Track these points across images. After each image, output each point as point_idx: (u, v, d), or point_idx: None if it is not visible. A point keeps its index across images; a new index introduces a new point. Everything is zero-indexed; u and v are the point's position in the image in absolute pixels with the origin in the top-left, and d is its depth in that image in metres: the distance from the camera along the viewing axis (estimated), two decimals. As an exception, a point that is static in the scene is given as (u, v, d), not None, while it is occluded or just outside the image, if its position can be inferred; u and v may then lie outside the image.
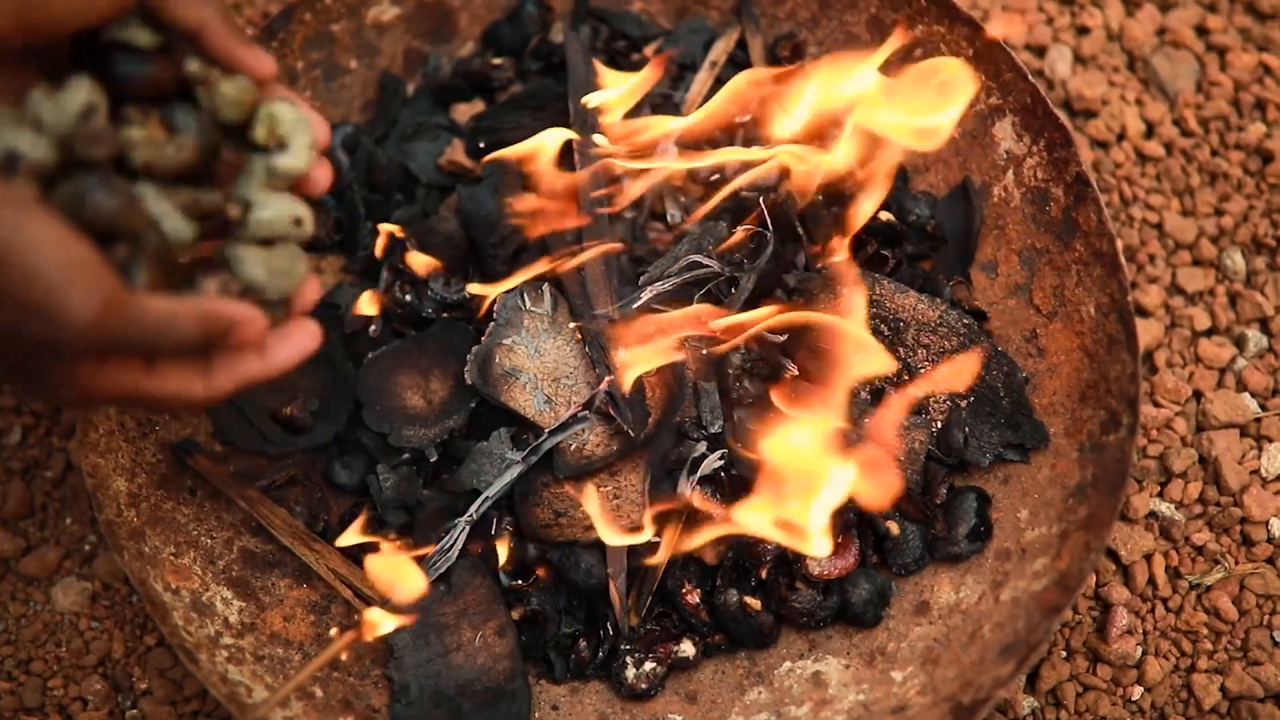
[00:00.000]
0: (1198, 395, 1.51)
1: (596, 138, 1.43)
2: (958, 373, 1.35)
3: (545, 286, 1.39)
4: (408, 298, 1.46)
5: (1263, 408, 1.50)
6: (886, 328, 1.36)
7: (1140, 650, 1.40)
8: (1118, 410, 1.29)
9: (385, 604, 1.27)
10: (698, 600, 1.34)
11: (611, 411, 1.32)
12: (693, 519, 1.31)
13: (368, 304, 1.45)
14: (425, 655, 1.32)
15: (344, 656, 1.34)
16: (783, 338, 1.37)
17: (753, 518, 1.26)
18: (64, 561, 1.50)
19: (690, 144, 1.46)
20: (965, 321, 1.38)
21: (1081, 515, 1.28)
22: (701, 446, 1.33)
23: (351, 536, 1.36)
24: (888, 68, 1.38)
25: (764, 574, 1.34)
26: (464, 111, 1.57)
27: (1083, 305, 1.36)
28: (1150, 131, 1.64)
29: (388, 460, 1.41)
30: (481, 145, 1.51)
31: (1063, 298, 1.38)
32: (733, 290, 1.38)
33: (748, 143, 1.47)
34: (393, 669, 1.31)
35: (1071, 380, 1.36)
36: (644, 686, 1.32)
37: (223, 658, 1.28)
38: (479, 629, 1.33)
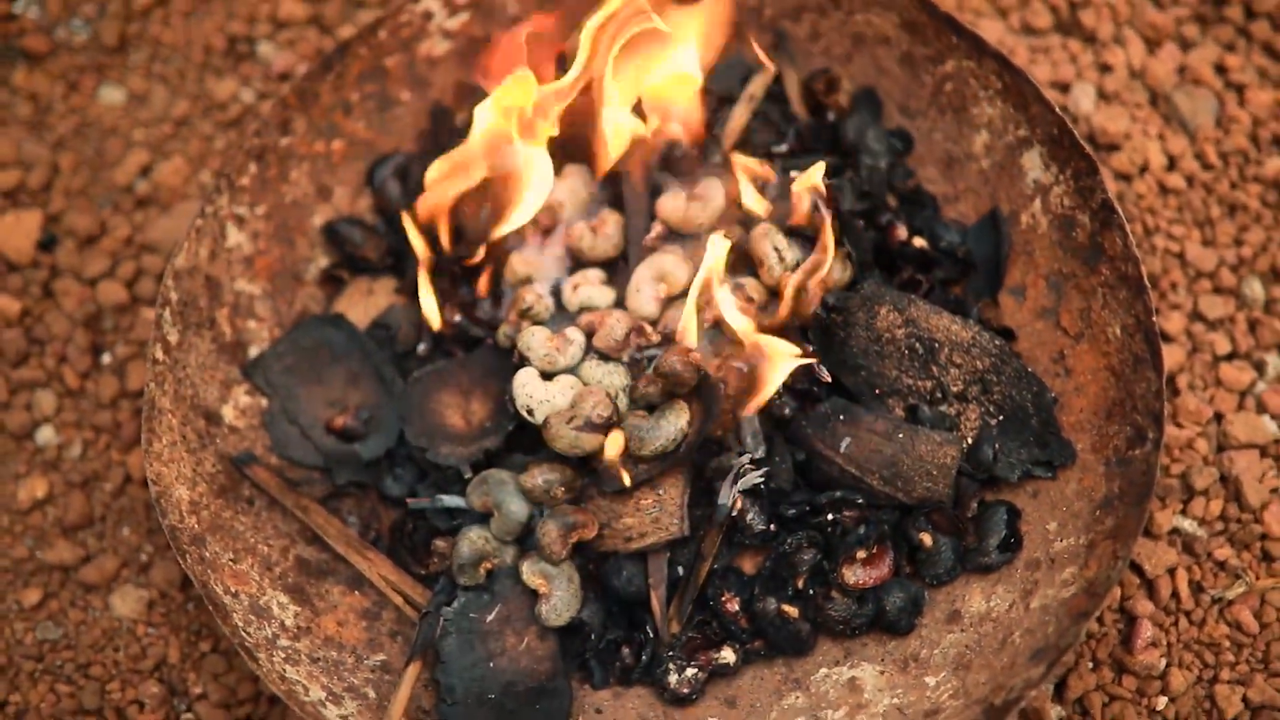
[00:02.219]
0: (1219, 417, 1.55)
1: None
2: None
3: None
4: (457, 318, 1.51)
5: (1282, 429, 1.55)
6: (921, 346, 1.41)
7: (1164, 661, 1.43)
8: (1143, 425, 1.34)
9: None
10: (737, 608, 1.38)
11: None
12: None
13: (434, 314, 1.50)
14: (470, 660, 1.36)
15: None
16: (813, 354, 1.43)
17: None
18: (122, 570, 1.55)
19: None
20: (997, 343, 1.43)
21: (1109, 525, 1.32)
22: (745, 459, 1.38)
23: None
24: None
25: (801, 583, 1.38)
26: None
27: (1109, 326, 1.41)
28: (1172, 165, 1.69)
29: (437, 476, 1.47)
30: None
31: (1089, 320, 1.43)
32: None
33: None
34: (440, 673, 1.35)
35: (1098, 399, 1.40)
36: (686, 691, 1.36)
37: (280, 658, 1.33)
38: (522, 634, 1.38)
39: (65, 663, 1.50)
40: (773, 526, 1.39)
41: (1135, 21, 1.79)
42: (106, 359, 1.66)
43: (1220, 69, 1.76)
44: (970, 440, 1.42)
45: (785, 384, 1.40)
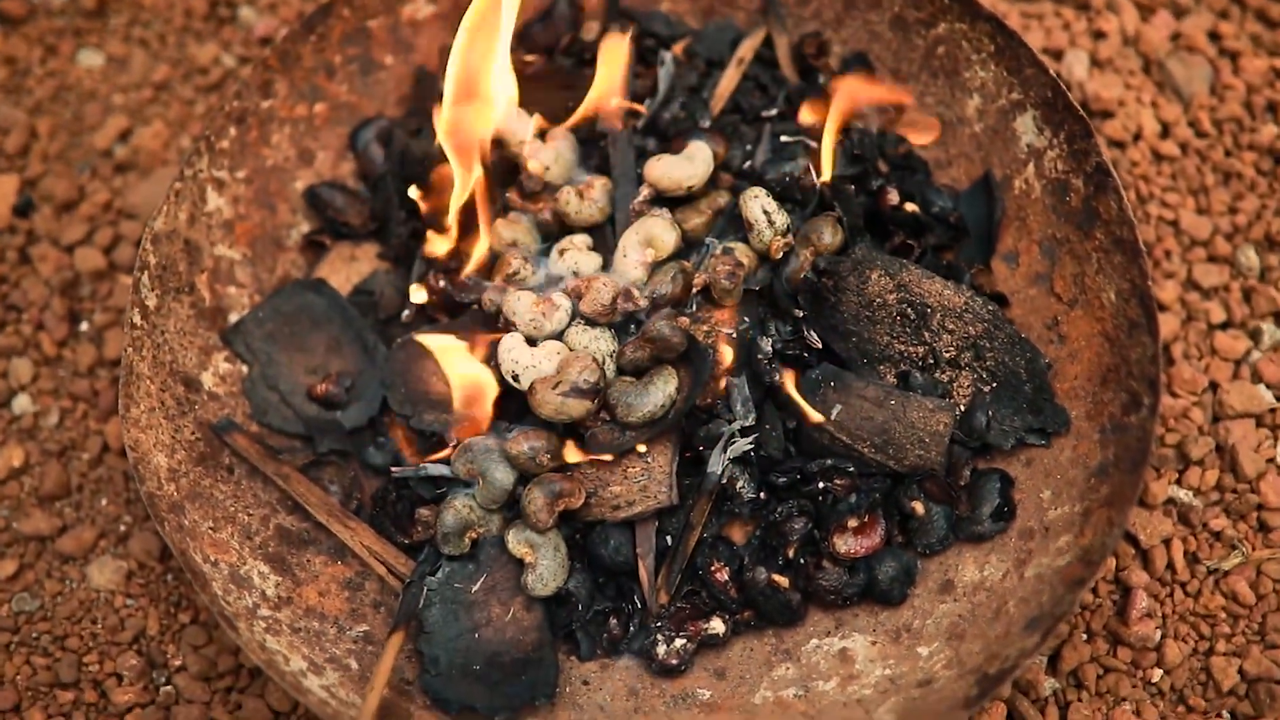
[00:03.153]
0: (1214, 386, 1.53)
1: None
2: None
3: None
4: (441, 284, 1.49)
5: (1278, 398, 1.53)
6: (913, 312, 1.39)
7: (1159, 633, 1.42)
8: (1139, 391, 1.32)
9: None
10: (726, 578, 1.36)
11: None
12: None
13: (418, 292, 1.48)
14: (455, 630, 1.34)
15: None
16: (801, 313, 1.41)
17: None
18: (99, 541, 1.52)
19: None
20: (990, 308, 1.41)
21: (1104, 493, 1.30)
22: (735, 425, 1.36)
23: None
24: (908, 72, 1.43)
25: (792, 552, 1.36)
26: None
27: (1103, 292, 1.39)
28: (1166, 132, 1.68)
29: (421, 443, 1.45)
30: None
31: (1083, 285, 1.41)
32: None
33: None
34: (423, 644, 1.33)
35: (1093, 365, 1.38)
36: (674, 662, 1.34)
37: (260, 628, 1.30)
38: (508, 604, 1.35)
39: (41, 635, 1.47)
40: (763, 495, 1.38)
41: (1129, -12, 1.78)
42: (84, 326, 1.64)
43: (1214, 36, 1.74)
44: (963, 407, 1.40)
45: (774, 350, 1.39)
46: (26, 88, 1.77)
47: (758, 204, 1.41)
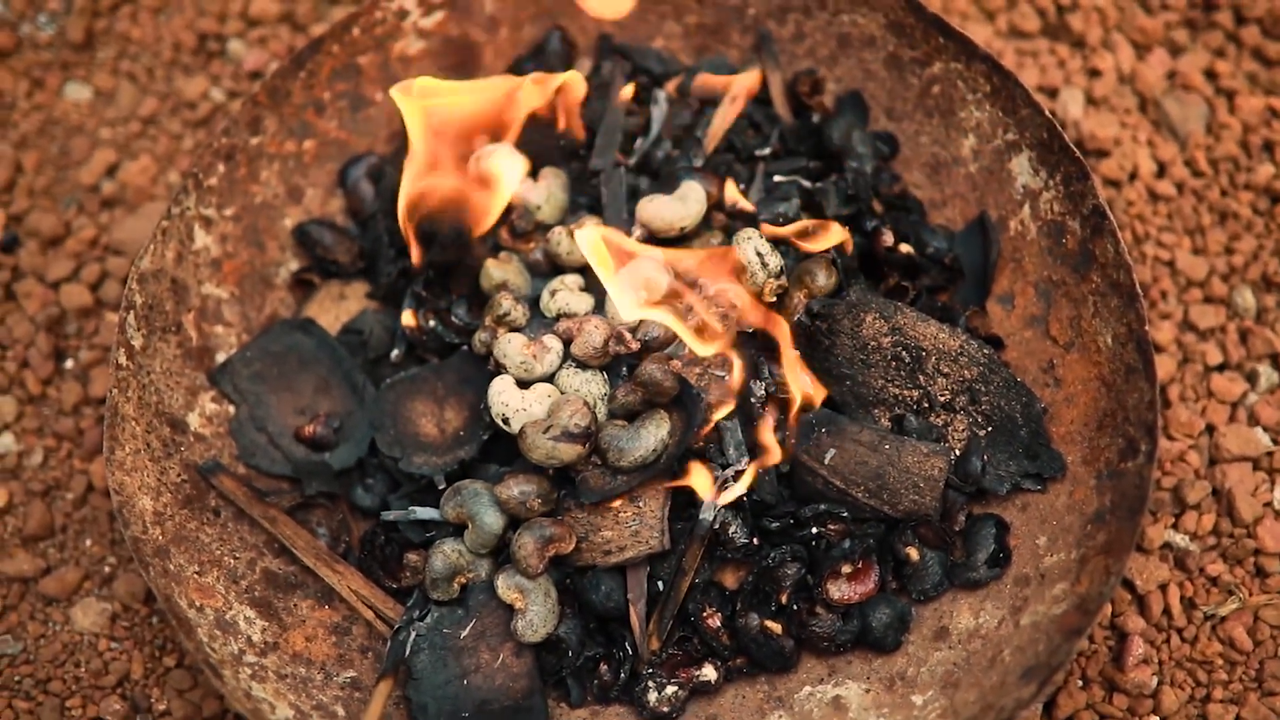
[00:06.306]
0: (1210, 429, 1.52)
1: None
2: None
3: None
4: (431, 323, 1.48)
5: (1275, 442, 1.52)
6: (908, 355, 1.38)
7: (1156, 680, 1.40)
8: (1136, 438, 1.31)
9: None
10: (719, 624, 1.35)
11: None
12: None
13: (409, 318, 1.47)
14: (444, 677, 1.32)
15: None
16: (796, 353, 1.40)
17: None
18: (84, 582, 1.50)
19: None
20: (985, 351, 1.40)
21: (1101, 541, 1.29)
22: (729, 472, 1.34)
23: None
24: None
25: (784, 598, 1.34)
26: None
27: (1100, 336, 1.38)
28: (1162, 172, 1.67)
29: (409, 486, 1.43)
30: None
31: (1079, 329, 1.40)
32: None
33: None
34: (412, 691, 1.32)
35: (1089, 410, 1.37)
36: (666, 710, 1.33)
37: (246, 675, 1.28)
38: (497, 650, 1.34)
39: (24, 678, 1.45)
40: (755, 540, 1.36)
41: (1124, 26, 1.76)
42: (69, 364, 1.62)
43: (1210, 75, 1.74)
44: (958, 451, 1.38)
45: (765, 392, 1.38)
46: (12, 121, 1.76)
47: (751, 245, 1.40)
